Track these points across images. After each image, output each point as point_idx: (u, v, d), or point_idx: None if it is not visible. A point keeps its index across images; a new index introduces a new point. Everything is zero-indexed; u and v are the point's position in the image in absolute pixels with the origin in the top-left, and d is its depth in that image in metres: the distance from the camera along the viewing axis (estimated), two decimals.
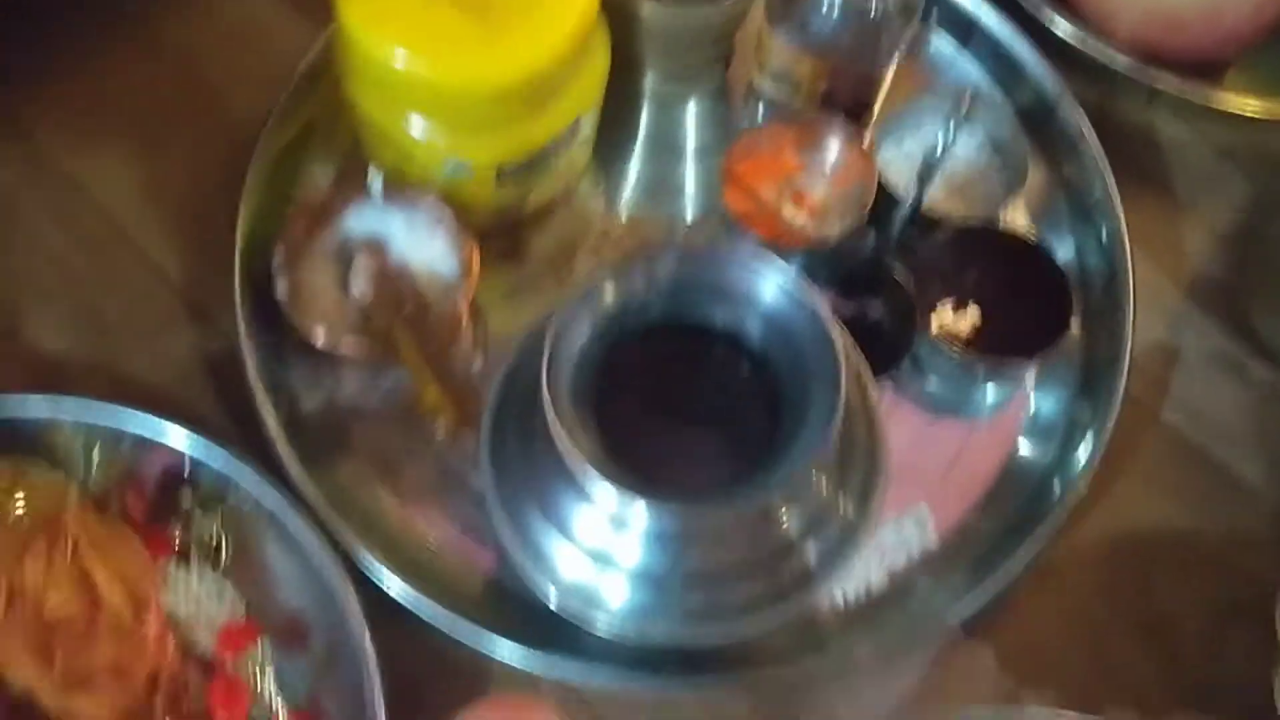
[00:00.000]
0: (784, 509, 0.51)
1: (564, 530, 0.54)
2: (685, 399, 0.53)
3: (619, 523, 0.52)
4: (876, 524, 0.54)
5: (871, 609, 0.62)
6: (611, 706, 0.62)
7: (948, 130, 0.56)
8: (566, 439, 0.44)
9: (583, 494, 0.52)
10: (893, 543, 0.64)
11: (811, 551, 0.52)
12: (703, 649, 0.61)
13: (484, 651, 0.61)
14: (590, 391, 0.50)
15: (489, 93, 0.57)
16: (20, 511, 0.59)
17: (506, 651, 0.61)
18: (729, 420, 0.53)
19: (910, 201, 0.60)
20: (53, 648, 0.57)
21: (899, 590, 0.63)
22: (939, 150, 0.57)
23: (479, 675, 0.62)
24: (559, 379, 0.47)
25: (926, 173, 0.58)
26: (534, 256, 0.70)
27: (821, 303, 0.46)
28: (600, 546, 0.53)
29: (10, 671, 0.56)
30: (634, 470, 0.48)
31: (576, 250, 0.70)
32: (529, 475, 0.54)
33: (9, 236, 0.70)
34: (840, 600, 0.63)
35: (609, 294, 0.47)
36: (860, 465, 0.53)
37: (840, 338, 0.45)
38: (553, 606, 0.55)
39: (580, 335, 0.48)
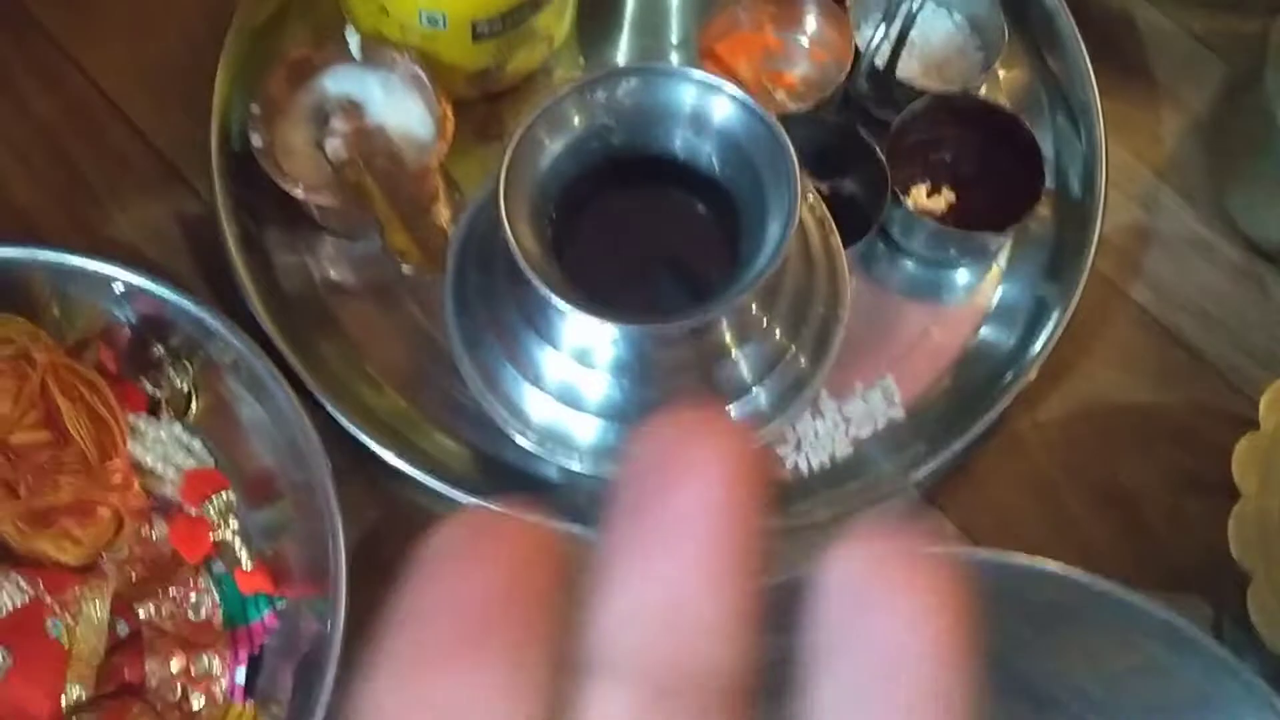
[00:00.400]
0: (737, 349, 0.51)
1: (530, 373, 0.54)
2: (647, 239, 0.53)
3: (582, 360, 0.52)
4: (828, 372, 0.54)
5: (834, 474, 0.62)
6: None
7: None
8: (514, 241, 0.45)
9: (543, 333, 0.53)
10: (859, 414, 0.64)
11: (764, 395, 0.53)
12: None
13: (447, 508, 0.62)
14: (551, 221, 0.50)
15: None
16: None
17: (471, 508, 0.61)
18: (691, 261, 0.53)
19: (873, 45, 0.60)
20: (17, 480, 0.57)
21: (863, 459, 0.63)
22: None
23: None
24: (517, 193, 0.47)
25: (890, 14, 0.58)
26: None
27: (774, 119, 0.46)
28: (565, 387, 0.53)
29: None
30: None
31: None
32: (492, 318, 0.55)
33: None
34: (805, 468, 0.63)
35: (569, 107, 0.47)
36: (818, 313, 0.53)
37: (793, 149, 0.45)
38: (526, 445, 0.55)
39: (541, 154, 0.48)
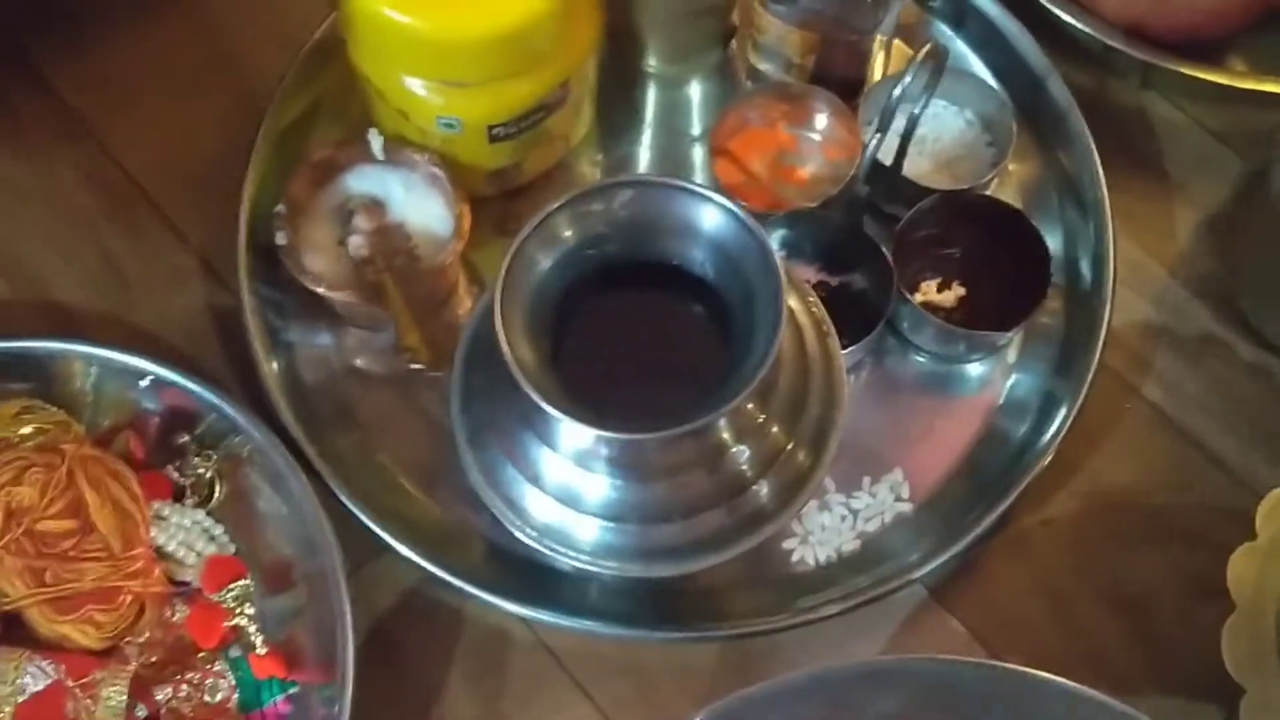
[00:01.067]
0: (736, 447, 0.52)
1: (529, 473, 0.55)
2: (646, 342, 0.54)
3: (580, 463, 0.53)
4: (829, 468, 0.54)
5: (841, 570, 0.63)
6: (581, 663, 0.62)
7: (912, 75, 0.58)
8: (509, 352, 0.46)
9: (542, 435, 0.54)
10: (867, 507, 0.64)
11: (765, 491, 0.53)
12: (672, 602, 0.62)
13: (457, 599, 0.63)
14: (549, 327, 0.51)
15: (474, 45, 0.60)
16: (26, 430, 0.62)
17: (481, 600, 0.62)
18: (688, 363, 0.54)
19: (871, 144, 0.61)
20: (43, 567, 0.59)
21: (870, 554, 0.63)
22: (897, 92, 0.59)
23: (453, 625, 0.63)
24: (514, 304, 0.48)
25: (887, 117, 0.59)
26: None
27: (764, 232, 0.47)
28: (564, 488, 0.54)
29: (3, 585, 0.59)
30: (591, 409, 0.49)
31: None
32: (494, 417, 0.56)
33: (38, 192, 0.73)
34: (811, 561, 0.63)
35: (563, 221, 0.49)
36: (815, 410, 0.54)
37: (780, 261, 0.46)
38: (526, 540, 0.56)
39: (536, 265, 0.50)
